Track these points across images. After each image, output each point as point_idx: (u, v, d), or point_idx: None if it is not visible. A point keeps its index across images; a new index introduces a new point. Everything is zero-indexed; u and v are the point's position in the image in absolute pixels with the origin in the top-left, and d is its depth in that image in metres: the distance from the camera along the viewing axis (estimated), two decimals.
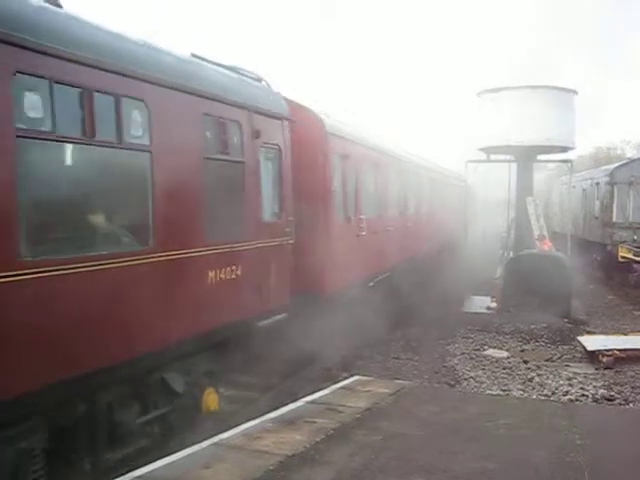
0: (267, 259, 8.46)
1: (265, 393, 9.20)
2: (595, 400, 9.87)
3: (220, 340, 7.42)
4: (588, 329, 15.10)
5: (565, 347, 13.37)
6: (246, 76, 8.72)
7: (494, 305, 17.69)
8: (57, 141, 5.21)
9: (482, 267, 24.97)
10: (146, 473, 5.36)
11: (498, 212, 29.69)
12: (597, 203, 24.98)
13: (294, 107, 9.84)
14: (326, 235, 10.62)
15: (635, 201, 22.27)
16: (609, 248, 22.78)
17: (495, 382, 10.91)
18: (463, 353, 12.90)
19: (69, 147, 5.45)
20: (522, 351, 13.18)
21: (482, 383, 10.85)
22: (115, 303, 5.67)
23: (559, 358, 12.62)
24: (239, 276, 7.69)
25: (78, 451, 5.65)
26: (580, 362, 12.27)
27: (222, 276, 7.35)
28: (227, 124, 7.64)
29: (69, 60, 5.20)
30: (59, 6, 5.61)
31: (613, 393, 10.18)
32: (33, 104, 5.05)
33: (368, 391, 8.03)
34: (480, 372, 11.51)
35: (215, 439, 6.17)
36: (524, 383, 10.81)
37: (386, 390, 8.07)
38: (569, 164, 22.52)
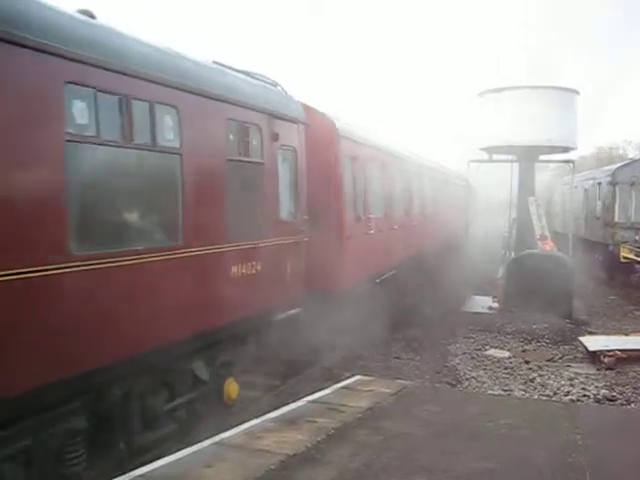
0: (284, 256, 8.92)
1: (285, 381, 9.71)
2: (597, 400, 9.86)
3: (241, 332, 7.82)
4: (590, 329, 15.09)
5: (567, 347, 13.36)
6: (263, 81, 9.17)
7: (496, 305, 17.69)
8: (100, 145, 5.62)
9: (484, 267, 24.96)
10: (148, 472, 5.36)
11: (500, 212, 29.67)
12: (599, 203, 24.95)
13: (307, 110, 10.23)
14: (338, 233, 11.07)
15: (637, 201, 22.24)
16: (611, 248, 22.75)
17: (496, 382, 10.91)
18: (464, 353, 12.89)
19: (110, 150, 5.83)
20: (523, 351, 13.18)
21: (483, 383, 10.85)
22: (150, 295, 6.14)
23: (560, 358, 12.61)
24: (259, 271, 8.14)
25: (114, 433, 6.06)
26: (581, 362, 12.26)
27: (244, 271, 7.82)
28: (249, 128, 8.13)
29: (110, 70, 5.67)
30: (93, 17, 6.02)
31: (615, 393, 10.17)
32: (80, 111, 5.46)
33: (369, 391, 8.03)
34: (481, 372, 11.51)
35: (216, 438, 6.17)
36: (525, 383, 10.80)
37: (387, 390, 8.06)
38: (571, 164, 22.51)
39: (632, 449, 6.12)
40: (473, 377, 11.17)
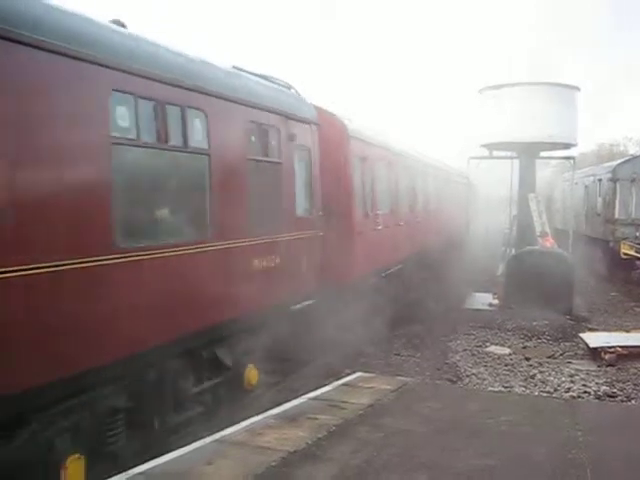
0: (300, 250, 9.50)
1: (301, 368, 10.21)
2: (597, 397, 9.86)
3: (261, 321, 8.18)
4: (590, 326, 15.09)
5: (567, 344, 13.37)
6: (278, 84, 9.69)
7: (496, 302, 17.66)
8: (140, 147, 6.14)
9: (484, 263, 24.96)
10: (148, 469, 5.37)
11: (500, 209, 29.67)
12: (599, 200, 24.93)
13: (319, 111, 10.70)
14: (349, 229, 11.56)
15: (637, 198, 22.22)
16: (611, 245, 22.73)
17: (497, 379, 10.91)
18: (465, 350, 12.89)
19: (148, 152, 6.36)
20: (524, 348, 13.18)
21: (484, 380, 10.85)
22: (181, 285, 6.62)
23: (561, 355, 12.61)
24: (277, 264, 8.70)
25: (149, 412, 6.55)
26: (582, 359, 12.26)
27: (264, 264, 8.38)
28: (268, 129, 8.69)
29: (147, 78, 6.17)
30: (123, 26, 6.45)
31: (615, 390, 10.17)
32: (123, 116, 5.99)
33: (370, 388, 8.04)
34: (482, 369, 11.51)
35: (217, 435, 6.18)
36: (526, 380, 10.80)
37: (388, 387, 8.07)
38: (571, 161, 22.48)
39: (633, 445, 6.13)
40: (474, 374, 11.17)
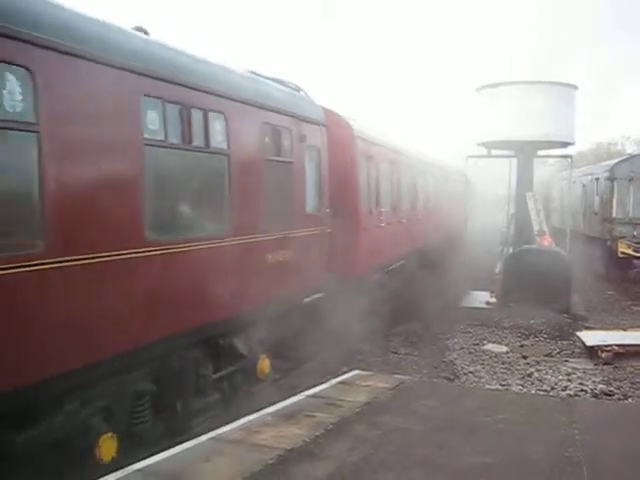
0: (310, 245, 9.94)
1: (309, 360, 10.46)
2: (594, 395, 9.88)
3: (275, 313, 8.55)
4: (587, 324, 15.12)
5: (564, 342, 13.39)
6: (288, 87, 10.12)
7: (493, 300, 17.70)
8: (167, 147, 6.57)
9: (481, 262, 24.98)
10: (146, 466, 5.37)
11: (498, 208, 29.68)
12: (597, 199, 24.93)
13: (327, 113, 11.12)
14: (355, 225, 11.95)
15: (635, 197, 22.21)
16: (609, 244, 22.74)
17: (494, 377, 10.93)
18: (462, 348, 12.91)
19: (175, 152, 6.79)
20: (521, 346, 13.20)
21: (481, 378, 10.87)
22: (201, 277, 7.03)
23: (558, 353, 12.64)
24: (289, 259, 9.11)
25: (173, 396, 6.93)
26: (579, 357, 12.29)
27: (277, 258, 8.79)
28: (281, 130, 9.12)
29: (173, 83, 6.59)
30: (146, 33, 6.79)
31: (612, 388, 10.20)
32: (153, 119, 6.35)
33: (367, 386, 8.04)
34: (479, 367, 11.53)
35: (214, 433, 6.19)
36: (523, 378, 10.83)
37: (385, 385, 8.08)
38: (569, 159, 22.49)
39: (629, 443, 6.14)
40: (471, 372, 11.19)
